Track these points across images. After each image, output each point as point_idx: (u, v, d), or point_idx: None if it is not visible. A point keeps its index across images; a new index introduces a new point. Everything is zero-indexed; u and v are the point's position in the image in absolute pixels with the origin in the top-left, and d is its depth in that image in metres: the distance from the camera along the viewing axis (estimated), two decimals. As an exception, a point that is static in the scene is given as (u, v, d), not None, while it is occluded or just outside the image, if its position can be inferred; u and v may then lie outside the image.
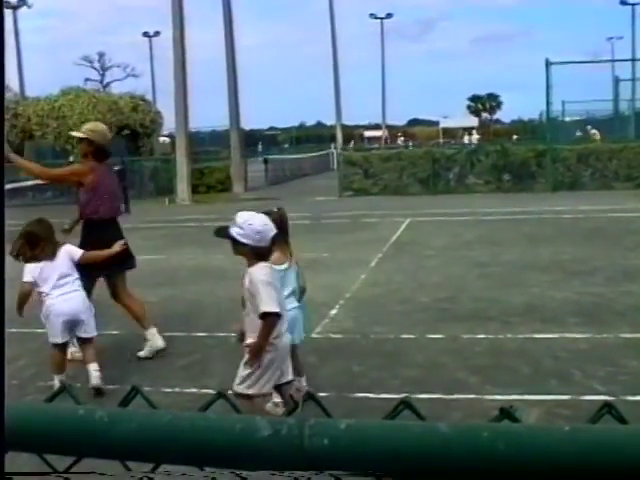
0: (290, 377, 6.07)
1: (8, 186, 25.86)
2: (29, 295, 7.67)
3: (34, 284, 7.61)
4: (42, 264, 7.62)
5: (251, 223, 5.90)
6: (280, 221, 7.06)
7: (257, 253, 5.91)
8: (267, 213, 7.13)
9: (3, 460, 1.10)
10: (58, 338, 7.64)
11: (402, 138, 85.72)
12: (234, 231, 5.92)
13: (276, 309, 5.74)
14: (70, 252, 7.81)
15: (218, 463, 1.04)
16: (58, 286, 7.64)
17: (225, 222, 19.40)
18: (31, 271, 7.59)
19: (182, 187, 30.60)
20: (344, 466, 1.00)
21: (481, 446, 0.97)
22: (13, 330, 9.92)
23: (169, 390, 7.43)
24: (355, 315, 10.37)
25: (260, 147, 74.13)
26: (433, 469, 0.99)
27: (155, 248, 17.22)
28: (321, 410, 1.19)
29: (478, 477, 0.97)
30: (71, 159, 35.94)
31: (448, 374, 7.79)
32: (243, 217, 5.99)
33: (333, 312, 10.51)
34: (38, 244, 7.68)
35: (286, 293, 6.96)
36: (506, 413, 1.07)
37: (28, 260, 7.60)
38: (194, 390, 7.47)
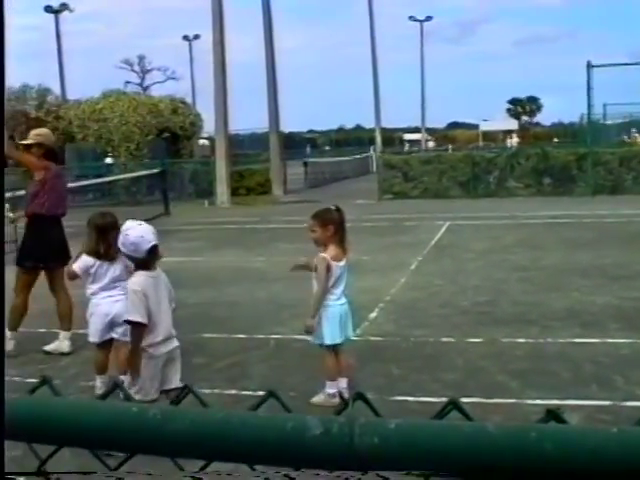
0: (175, 385, 6.12)
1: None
2: (73, 279, 7.98)
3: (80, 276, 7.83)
4: (98, 262, 7.71)
5: (128, 233, 6.15)
6: (339, 220, 7.24)
7: (135, 262, 6.10)
8: (326, 211, 7.28)
9: (3, 460, 1.12)
10: (96, 337, 7.75)
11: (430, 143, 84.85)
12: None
13: (137, 319, 5.84)
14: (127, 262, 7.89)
15: (269, 461, 1.06)
16: (108, 288, 7.72)
17: (264, 224, 19.65)
18: (83, 264, 7.75)
19: (222, 189, 30.70)
20: (393, 465, 1.02)
21: (529, 446, 0.98)
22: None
23: (209, 391, 7.45)
24: (395, 318, 10.37)
25: (308, 150, 74.24)
26: (481, 468, 1.00)
27: (195, 250, 17.32)
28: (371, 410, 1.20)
29: (526, 477, 0.99)
30: (109, 160, 36.29)
31: (488, 378, 7.77)
32: (125, 225, 6.32)
33: (373, 315, 10.52)
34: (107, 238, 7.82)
35: (341, 289, 7.30)
36: (553, 414, 1.08)
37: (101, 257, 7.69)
38: (234, 392, 7.51)
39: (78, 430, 1.15)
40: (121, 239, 6.09)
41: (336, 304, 7.29)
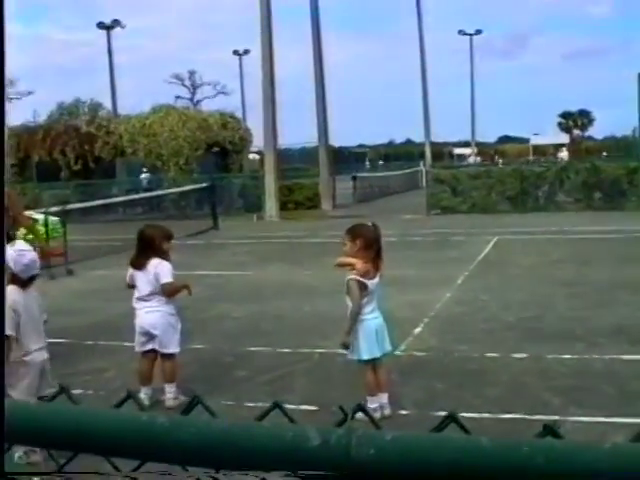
0: (47, 392, 6.20)
1: (100, 202, 26.43)
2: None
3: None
4: (133, 271, 7.91)
5: (24, 254, 6.46)
6: (373, 236, 7.29)
7: (15, 279, 6.33)
8: (360, 226, 7.34)
9: (3, 459, 1.16)
10: (137, 347, 7.97)
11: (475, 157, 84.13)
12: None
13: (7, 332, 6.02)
14: (157, 274, 7.95)
15: (270, 469, 1.09)
16: (146, 299, 7.84)
17: (313, 239, 19.66)
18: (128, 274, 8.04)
19: (270, 204, 30.82)
20: (389, 476, 1.05)
21: (521, 460, 1.00)
22: (101, 342, 10.17)
23: (252, 405, 7.49)
24: (439, 333, 10.35)
25: (368, 164, 74.40)
26: (475, 480, 1.02)
27: (243, 264, 17.41)
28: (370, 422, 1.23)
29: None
30: (144, 176, 36.60)
31: (531, 394, 7.72)
32: (20, 246, 6.63)
33: (417, 330, 10.50)
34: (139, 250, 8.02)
35: (374, 305, 7.39)
36: (549, 430, 1.09)
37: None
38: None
39: (89, 437, 1.19)
40: (14, 256, 6.32)
41: (371, 319, 7.29)
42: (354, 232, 7.42)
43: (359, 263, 7.24)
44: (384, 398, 7.28)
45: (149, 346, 7.87)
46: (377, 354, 7.32)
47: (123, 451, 1.18)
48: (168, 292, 7.94)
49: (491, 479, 1.01)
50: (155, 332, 7.86)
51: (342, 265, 7.48)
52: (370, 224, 7.60)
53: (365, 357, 7.29)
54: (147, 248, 7.97)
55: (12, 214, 9.65)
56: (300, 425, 1.10)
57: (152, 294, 7.84)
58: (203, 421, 1.15)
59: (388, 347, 7.53)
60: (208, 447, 1.11)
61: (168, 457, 1.15)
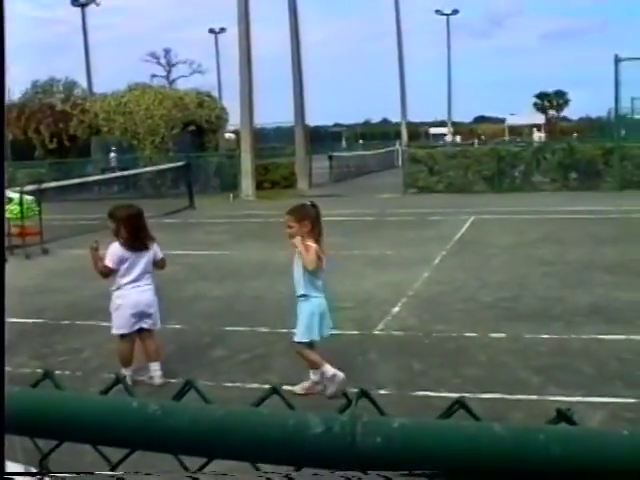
0: None
1: (76, 180, 26.24)
2: (107, 277, 7.83)
3: (114, 270, 7.73)
4: (128, 253, 7.70)
5: None
6: (315, 215, 7.29)
7: None
8: (302, 206, 7.34)
9: (3, 459, 1.10)
10: (125, 329, 7.73)
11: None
12: None
13: None
14: (156, 252, 7.89)
15: (270, 459, 1.04)
16: (136, 280, 7.73)
17: (289, 218, 19.20)
18: (114, 256, 7.67)
19: (246, 183, 30.73)
20: (396, 466, 0.99)
21: (537, 448, 0.95)
22: (78, 322, 10.09)
23: (230, 384, 7.46)
24: (417, 313, 10.33)
25: (344, 143, 74.33)
26: (488, 470, 0.97)
27: (219, 243, 17.35)
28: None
29: (532, 479, 0.96)
30: (113, 155, 36.42)
31: (510, 374, 7.72)
32: None
33: (395, 309, 10.48)
34: (140, 231, 7.81)
35: (320, 284, 7.47)
36: (563, 416, 1.05)
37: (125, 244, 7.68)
38: (255, 385, 7.48)
39: (77, 424, 1.13)
40: None
41: (316, 298, 7.39)
42: (300, 213, 7.39)
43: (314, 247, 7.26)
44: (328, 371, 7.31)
45: (137, 326, 7.79)
46: (315, 337, 7.33)
47: (113, 439, 1.12)
48: (163, 266, 8.01)
49: (505, 468, 0.96)
50: (151, 310, 7.80)
51: (301, 251, 7.37)
52: (309, 203, 7.59)
53: (300, 340, 7.32)
54: (144, 227, 7.89)
55: None
56: (301, 412, 1.04)
57: (144, 273, 7.76)
58: (197, 408, 1.09)
59: (328, 331, 7.53)
60: (203, 435, 1.05)
61: (160, 445, 1.10)
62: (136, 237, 7.73)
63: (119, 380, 1.25)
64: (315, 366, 7.34)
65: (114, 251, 7.64)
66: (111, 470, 1.23)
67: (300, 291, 7.40)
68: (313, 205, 7.50)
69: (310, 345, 7.38)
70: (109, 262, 7.65)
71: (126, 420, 1.10)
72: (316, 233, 7.32)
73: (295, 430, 1.02)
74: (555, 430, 0.99)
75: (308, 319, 7.30)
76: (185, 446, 1.07)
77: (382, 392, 7.18)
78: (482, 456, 0.96)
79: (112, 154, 37.97)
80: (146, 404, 1.10)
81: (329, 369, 7.32)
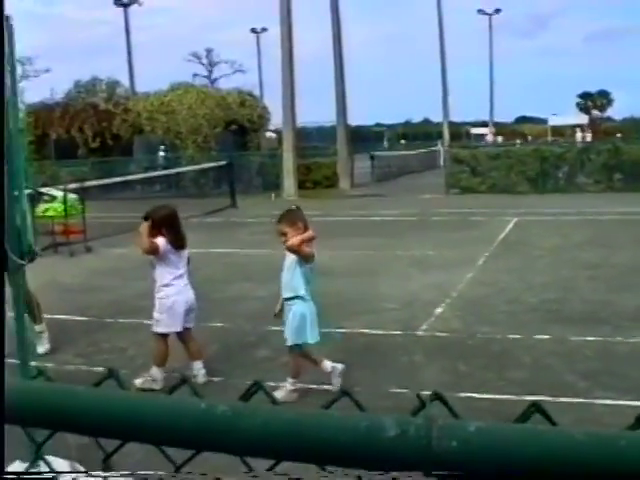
0: None
1: (119, 179, 26.41)
2: (149, 253, 7.74)
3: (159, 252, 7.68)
4: (173, 251, 7.70)
5: None
6: (305, 218, 7.42)
7: None
8: (290, 211, 7.33)
9: (3, 459, 1.09)
10: (177, 327, 7.75)
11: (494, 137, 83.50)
12: None
13: None
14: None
15: (342, 462, 1.02)
16: (181, 277, 7.75)
17: (332, 217, 19.58)
18: (162, 244, 7.64)
19: (289, 182, 30.77)
20: (473, 470, 0.97)
21: (617, 455, 0.93)
22: (121, 320, 10.14)
23: (273, 384, 7.43)
24: (461, 314, 10.27)
25: (386, 143, 74.24)
26: (567, 476, 0.94)
27: (261, 243, 17.33)
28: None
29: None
30: (162, 154, 36.57)
31: (556, 377, 7.64)
32: None
33: (439, 310, 10.43)
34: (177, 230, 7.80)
35: (309, 288, 7.40)
36: (643, 421, 1.02)
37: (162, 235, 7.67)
38: (299, 385, 7.47)
39: (143, 425, 1.12)
40: None
41: (308, 300, 7.34)
42: (291, 218, 7.39)
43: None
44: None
45: (185, 324, 7.81)
46: (309, 340, 7.37)
47: (180, 440, 1.10)
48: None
49: (584, 474, 0.94)
50: (194, 308, 7.85)
51: (297, 249, 7.31)
52: (295, 207, 7.63)
53: (293, 343, 7.33)
54: (181, 226, 7.92)
55: None
56: (375, 415, 1.02)
57: (186, 271, 7.81)
58: (268, 409, 1.08)
59: (317, 333, 7.45)
60: (274, 438, 1.04)
61: (230, 447, 1.08)
62: (177, 236, 7.74)
63: (185, 380, 1.24)
64: (295, 375, 7.31)
65: (162, 241, 7.64)
66: (176, 470, 1.22)
67: (288, 294, 7.34)
68: (298, 208, 7.56)
69: (300, 348, 7.33)
70: (160, 243, 7.63)
71: (194, 421, 1.08)
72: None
73: (368, 433, 1.00)
74: (636, 436, 0.96)
75: (300, 321, 7.25)
76: (255, 448, 1.06)
77: (426, 393, 7.12)
78: (561, 462, 0.94)
79: (161, 152, 38.11)
80: (215, 405, 1.08)
81: (326, 365, 7.36)
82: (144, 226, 7.62)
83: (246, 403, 1.14)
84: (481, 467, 0.96)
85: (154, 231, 7.64)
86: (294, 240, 7.18)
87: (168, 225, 7.72)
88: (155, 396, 1.16)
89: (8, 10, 5.90)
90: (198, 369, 7.75)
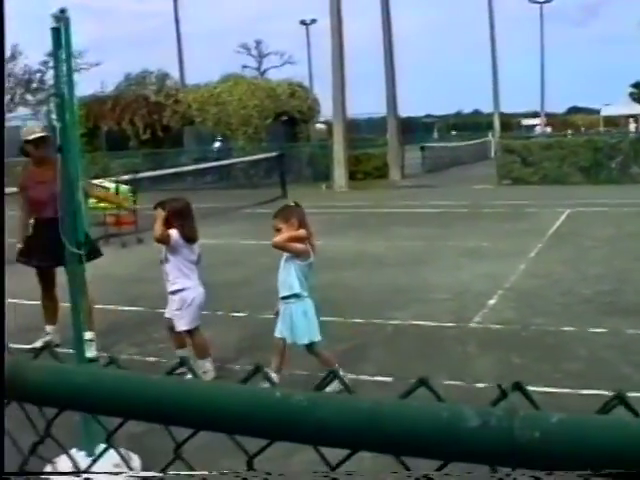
0: None
1: (170, 170, 26.58)
2: (161, 242, 7.66)
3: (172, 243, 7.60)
4: (185, 244, 7.65)
5: None
6: (302, 214, 7.31)
7: None
8: (287, 207, 7.27)
9: (3, 460, 1.09)
10: (197, 321, 7.74)
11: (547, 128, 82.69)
12: None
13: None
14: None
15: (421, 453, 1.00)
16: (195, 270, 7.74)
17: (383, 209, 19.58)
18: (174, 235, 7.56)
19: (339, 173, 30.76)
20: (555, 462, 0.95)
21: None
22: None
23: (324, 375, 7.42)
24: (515, 305, 10.19)
25: (436, 134, 74.01)
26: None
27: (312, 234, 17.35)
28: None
29: None
30: (217, 145, 36.72)
31: (612, 370, 7.55)
32: None
33: (492, 302, 10.36)
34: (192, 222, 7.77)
35: (307, 286, 7.31)
36: None
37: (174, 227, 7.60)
38: (352, 376, 7.44)
39: (217, 414, 1.12)
40: None
41: (306, 297, 7.26)
42: (286, 214, 7.28)
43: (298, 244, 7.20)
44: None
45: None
46: (316, 338, 7.26)
47: (255, 430, 1.10)
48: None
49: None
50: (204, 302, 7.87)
51: (282, 246, 7.25)
52: (293, 203, 7.52)
53: (308, 341, 7.23)
54: (194, 220, 7.88)
55: None
56: (455, 405, 1.00)
57: (196, 265, 7.78)
58: (344, 398, 1.07)
59: (315, 335, 7.31)
60: (351, 427, 1.03)
61: (305, 437, 1.07)
62: (190, 229, 7.70)
63: (259, 369, 1.23)
64: (331, 364, 7.18)
65: (174, 232, 7.59)
66: (249, 461, 1.21)
67: (295, 290, 7.23)
68: (297, 205, 7.45)
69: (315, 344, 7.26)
70: (173, 234, 7.55)
71: (270, 410, 1.08)
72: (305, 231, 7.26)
73: (449, 423, 0.98)
74: None
75: (303, 319, 7.17)
76: (331, 438, 1.05)
77: (480, 385, 7.09)
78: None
79: (217, 143, 38.21)
80: (290, 394, 1.08)
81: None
82: (160, 214, 7.56)
83: (321, 392, 1.13)
84: (564, 458, 0.95)
85: (167, 223, 7.59)
86: (277, 238, 7.14)
87: (181, 217, 7.65)
88: (229, 385, 1.15)
89: (63, 3, 5.95)
90: (206, 367, 7.67)
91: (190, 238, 7.67)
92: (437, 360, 7.94)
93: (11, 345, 1.46)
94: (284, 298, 7.27)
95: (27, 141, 8.70)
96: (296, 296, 7.22)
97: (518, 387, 1.09)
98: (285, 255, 7.29)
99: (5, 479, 1.23)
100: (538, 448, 0.94)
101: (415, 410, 1.01)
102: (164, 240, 7.56)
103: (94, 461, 1.38)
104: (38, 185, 8.63)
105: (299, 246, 7.20)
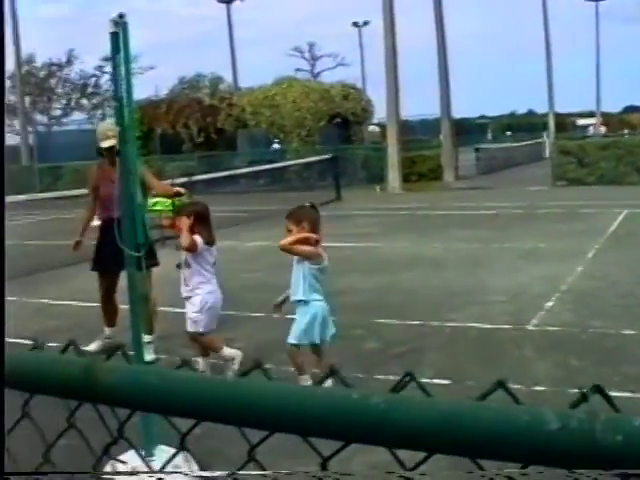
0: None
1: (225, 173, 26.71)
2: (187, 250, 7.65)
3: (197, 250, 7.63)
4: (206, 247, 7.67)
5: None
6: (315, 217, 7.22)
7: None
8: (300, 208, 7.19)
9: (3, 460, 1.09)
10: (214, 325, 7.80)
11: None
12: None
13: None
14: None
15: (501, 456, 1.00)
16: (212, 273, 7.76)
17: (438, 210, 19.53)
18: (199, 241, 7.59)
19: (393, 175, 30.72)
20: (637, 466, 0.94)
21: None
22: (230, 312, 10.23)
23: (383, 377, 7.41)
24: (572, 308, 10.09)
25: (490, 135, 73.61)
26: None
27: (367, 236, 17.37)
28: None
29: None
30: (276, 147, 36.88)
31: (673, 373, 7.44)
32: None
33: (549, 304, 10.26)
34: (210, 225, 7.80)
35: (320, 290, 7.16)
36: None
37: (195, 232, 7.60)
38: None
39: (292, 416, 1.12)
40: None
41: (317, 301, 7.12)
42: (297, 216, 7.20)
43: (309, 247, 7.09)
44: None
45: None
46: (316, 340, 7.13)
47: (332, 432, 1.10)
48: None
49: None
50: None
51: (289, 249, 7.17)
52: (308, 205, 7.37)
53: (296, 342, 7.11)
54: (211, 223, 7.90)
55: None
56: (535, 407, 1.00)
57: (213, 267, 7.79)
58: (422, 401, 1.07)
59: (330, 333, 7.25)
60: (429, 430, 1.02)
61: (383, 440, 1.07)
62: (210, 232, 7.72)
63: (333, 372, 1.23)
64: (300, 372, 7.11)
65: (199, 238, 7.59)
66: (323, 463, 1.21)
67: (299, 296, 7.12)
68: (312, 206, 7.35)
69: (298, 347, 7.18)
70: (198, 240, 7.58)
71: (347, 412, 1.08)
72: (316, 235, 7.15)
73: (529, 426, 0.98)
74: None
75: (308, 323, 7.04)
76: (409, 440, 1.05)
77: (538, 388, 7.03)
78: None
79: (275, 145, 38.35)
80: (368, 395, 1.08)
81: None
82: (184, 222, 7.57)
83: (397, 394, 1.13)
84: (648, 462, 0.93)
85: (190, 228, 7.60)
86: (284, 240, 7.09)
87: (203, 221, 7.69)
88: (304, 386, 1.15)
89: (116, 8, 6.01)
90: (201, 364, 7.71)
91: (210, 241, 7.73)
92: (494, 363, 7.89)
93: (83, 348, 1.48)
94: (295, 301, 7.23)
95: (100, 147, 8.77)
96: (304, 301, 7.13)
97: (599, 390, 1.08)
98: (296, 257, 7.20)
99: (5, 479, 1.24)
100: (621, 451, 0.94)
101: (494, 412, 1.00)
102: (193, 248, 7.59)
103: (168, 461, 1.40)
104: (110, 184, 8.72)
105: (307, 249, 7.09)
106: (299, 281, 7.15)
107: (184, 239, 7.56)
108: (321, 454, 1.24)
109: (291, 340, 7.16)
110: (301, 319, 7.14)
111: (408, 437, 1.04)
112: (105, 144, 8.68)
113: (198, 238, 7.58)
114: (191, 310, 7.73)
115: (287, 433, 1.14)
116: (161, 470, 1.37)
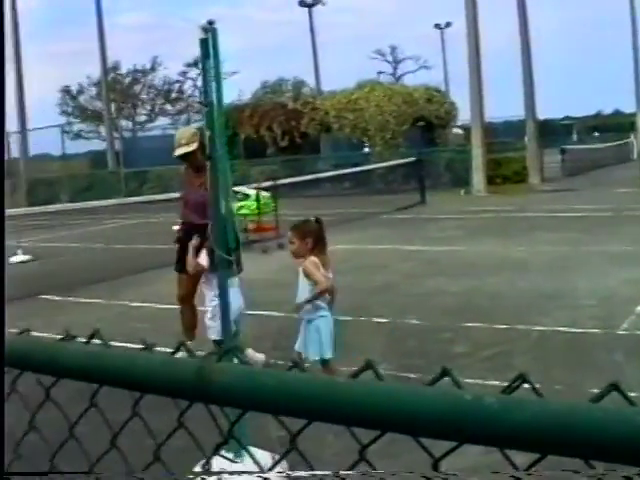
0: None
1: (309, 176, 26.83)
2: (203, 271, 7.84)
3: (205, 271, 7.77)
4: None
5: None
6: (319, 232, 7.07)
7: None
8: (305, 223, 7.07)
9: (3, 460, 1.10)
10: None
11: None
12: None
13: None
14: None
15: (616, 458, 1.00)
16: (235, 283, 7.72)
17: (523, 213, 19.30)
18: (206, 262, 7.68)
19: (478, 178, 30.52)
20: None
21: None
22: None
23: (471, 381, 7.36)
24: (663, 312, 9.91)
25: (575, 136, 72.66)
26: None
27: (453, 239, 17.28)
28: None
29: None
30: (367, 150, 36.87)
31: None
32: None
33: (639, 308, 10.10)
34: None
35: (325, 303, 7.02)
36: None
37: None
38: (496, 383, 7.35)
39: (405, 415, 1.14)
40: None
41: (329, 316, 7.00)
42: (302, 231, 7.08)
43: (322, 279, 6.94)
44: None
45: None
46: (329, 355, 6.96)
47: (444, 432, 1.11)
48: None
49: None
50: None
51: (313, 274, 6.95)
52: (314, 219, 7.20)
53: (327, 356, 6.93)
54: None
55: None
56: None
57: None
58: (537, 402, 1.07)
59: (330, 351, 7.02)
60: (544, 431, 1.03)
61: (497, 440, 1.08)
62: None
63: (446, 372, 1.24)
64: None
65: (204, 259, 7.66)
66: (434, 463, 1.22)
67: (304, 314, 7.03)
68: (317, 221, 7.19)
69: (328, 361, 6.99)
70: (203, 261, 7.72)
71: (460, 413, 1.09)
72: (318, 250, 7.01)
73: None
74: None
75: (318, 336, 6.89)
76: (523, 441, 1.05)
77: (632, 394, 6.89)
78: None
79: (366, 149, 38.31)
80: (481, 396, 1.09)
81: None
82: (192, 245, 7.81)
83: (511, 396, 1.13)
84: None
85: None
86: (310, 267, 6.93)
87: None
88: (415, 386, 1.17)
89: (199, 15, 6.10)
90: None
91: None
92: (583, 367, 7.79)
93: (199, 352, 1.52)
94: (303, 317, 7.12)
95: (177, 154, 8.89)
96: (309, 319, 7.01)
97: (615, 388, 1.08)
98: (301, 273, 7.09)
99: (6, 479, 1.27)
100: None
101: (609, 414, 1.01)
102: (200, 271, 7.86)
103: (277, 462, 1.42)
104: (190, 189, 8.87)
105: (322, 286, 6.93)
106: (303, 297, 7.07)
107: (189, 265, 7.87)
108: (432, 455, 1.25)
109: (317, 357, 6.98)
110: (310, 336, 7.00)
111: (522, 438, 1.05)
112: (177, 152, 8.81)
113: (203, 260, 7.68)
114: (208, 317, 8.00)
115: (399, 433, 1.16)
116: (271, 469, 1.40)
